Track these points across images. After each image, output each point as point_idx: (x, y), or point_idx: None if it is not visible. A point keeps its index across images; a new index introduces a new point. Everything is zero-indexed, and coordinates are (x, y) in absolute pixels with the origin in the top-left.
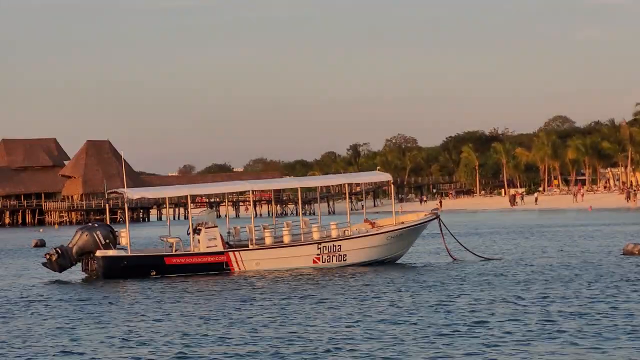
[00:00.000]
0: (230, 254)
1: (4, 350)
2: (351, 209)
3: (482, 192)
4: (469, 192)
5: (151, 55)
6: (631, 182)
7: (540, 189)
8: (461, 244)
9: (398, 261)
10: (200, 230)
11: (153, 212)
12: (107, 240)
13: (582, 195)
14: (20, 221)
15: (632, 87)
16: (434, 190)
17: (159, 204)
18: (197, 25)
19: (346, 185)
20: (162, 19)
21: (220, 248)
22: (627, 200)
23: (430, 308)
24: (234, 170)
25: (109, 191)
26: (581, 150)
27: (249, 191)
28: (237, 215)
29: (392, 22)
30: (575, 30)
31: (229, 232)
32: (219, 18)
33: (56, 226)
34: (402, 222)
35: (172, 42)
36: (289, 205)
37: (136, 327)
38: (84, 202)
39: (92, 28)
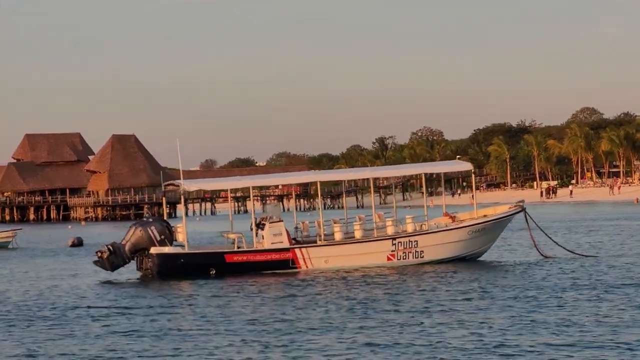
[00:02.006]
0: (297, 250)
1: None
2: (379, 203)
3: (514, 184)
4: (500, 185)
5: (174, 52)
6: None
7: (573, 181)
8: (551, 239)
9: (481, 258)
10: (264, 225)
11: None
12: (163, 237)
13: (619, 187)
14: (45, 217)
15: None
16: (464, 184)
17: (187, 198)
18: (218, 22)
19: (423, 175)
20: (184, 15)
21: (286, 244)
22: None
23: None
24: (257, 164)
25: (165, 183)
26: (615, 142)
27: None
28: (264, 210)
29: (417, 15)
30: (599, 22)
31: (296, 228)
32: (241, 14)
33: (83, 222)
34: (485, 215)
35: (195, 38)
36: (317, 200)
37: (209, 340)
38: (109, 198)
39: (116, 26)
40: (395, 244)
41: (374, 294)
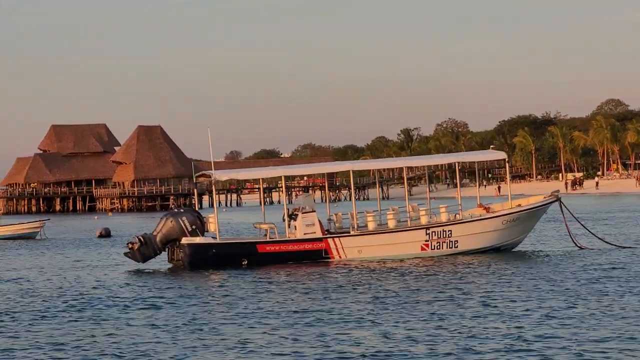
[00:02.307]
0: (330, 240)
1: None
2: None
3: (539, 176)
4: (525, 177)
5: (200, 43)
6: None
7: (599, 173)
8: (588, 230)
9: (516, 248)
10: (296, 215)
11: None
12: (194, 227)
13: None
14: (71, 208)
15: None
16: (489, 175)
17: (210, 190)
18: (240, 12)
19: (457, 164)
20: (206, 8)
21: (319, 234)
22: None
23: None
24: (282, 156)
25: (197, 174)
26: None
27: (313, 175)
28: (290, 202)
29: (440, 5)
30: (623, 13)
31: (329, 220)
32: (261, 4)
33: (110, 213)
34: (520, 205)
35: (220, 28)
36: (342, 191)
37: (247, 334)
38: (135, 189)
39: (142, 16)
40: (429, 233)
41: (408, 285)
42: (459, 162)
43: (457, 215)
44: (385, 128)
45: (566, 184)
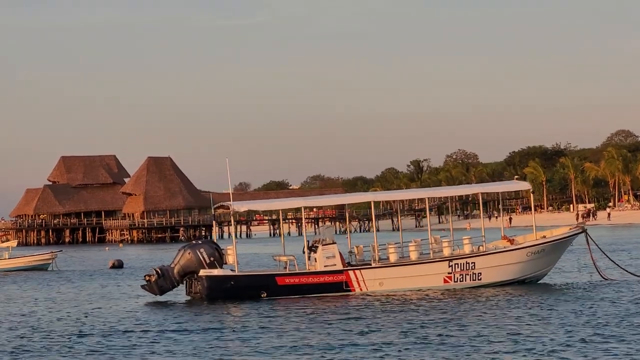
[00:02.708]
0: (351, 272)
1: None
2: (415, 227)
3: (550, 207)
4: (536, 208)
5: (208, 75)
6: None
7: (610, 204)
8: (613, 261)
9: (541, 281)
10: (317, 247)
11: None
12: (212, 259)
13: None
14: (80, 239)
15: None
16: (500, 206)
17: (220, 221)
18: (252, 44)
19: (480, 195)
20: (217, 39)
21: (339, 266)
22: None
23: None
24: (291, 187)
25: (215, 206)
26: None
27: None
28: (300, 233)
29: (448, 39)
30: (627, 43)
31: (350, 252)
32: (272, 36)
33: (120, 245)
34: (544, 237)
35: (227, 60)
36: (352, 223)
37: None
38: (145, 220)
39: (151, 48)
40: (451, 265)
41: (431, 318)
42: (483, 193)
43: (481, 247)
44: (394, 159)
45: (577, 215)
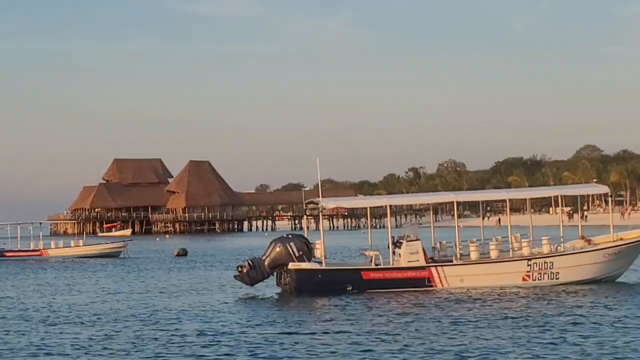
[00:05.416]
0: (433, 269)
1: None
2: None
3: (532, 210)
4: (519, 210)
5: (234, 86)
6: None
7: (585, 208)
8: None
9: (617, 280)
10: (401, 243)
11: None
12: (301, 252)
13: (629, 213)
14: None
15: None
16: (488, 208)
17: (249, 217)
18: (271, 58)
19: (560, 197)
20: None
21: (422, 263)
22: None
23: None
24: (306, 189)
25: (306, 201)
26: (623, 174)
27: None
28: (317, 228)
29: (437, 67)
30: (599, 68)
31: (433, 248)
32: (289, 61)
33: (168, 236)
34: (621, 239)
35: (249, 74)
36: (361, 219)
37: None
38: (186, 215)
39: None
40: (530, 264)
41: (514, 314)
42: (561, 196)
43: (559, 247)
44: (394, 166)
45: (568, 214)
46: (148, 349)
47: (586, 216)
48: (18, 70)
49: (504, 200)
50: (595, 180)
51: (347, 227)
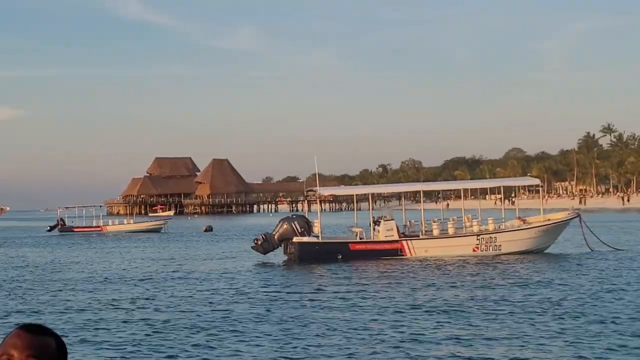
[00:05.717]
0: (404, 242)
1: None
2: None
3: (472, 196)
4: (460, 197)
5: (246, 102)
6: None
7: (513, 195)
8: (598, 238)
9: (545, 251)
10: (380, 222)
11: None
12: (303, 229)
13: (547, 200)
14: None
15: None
16: (440, 196)
17: (259, 201)
18: (272, 81)
19: (502, 187)
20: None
21: (396, 237)
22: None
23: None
24: (300, 181)
25: (307, 189)
26: (542, 170)
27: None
28: (310, 210)
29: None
30: (527, 76)
31: (405, 225)
32: (284, 75)
33: (196, 216)
34: (549, 219)
35: (256, 93)
36: (343, 204)
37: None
38: (210, 200)
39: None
40: (479, 239)
41: (468, 276)
42: (501, 186)
43: (501, 226)
44: (366, 162)
45: (496, 202)
46: (186, 303)
47: (514, 202)
48: (93, 93)
49: (459, 190)
50: (529, 174)
51: (332, 209)
